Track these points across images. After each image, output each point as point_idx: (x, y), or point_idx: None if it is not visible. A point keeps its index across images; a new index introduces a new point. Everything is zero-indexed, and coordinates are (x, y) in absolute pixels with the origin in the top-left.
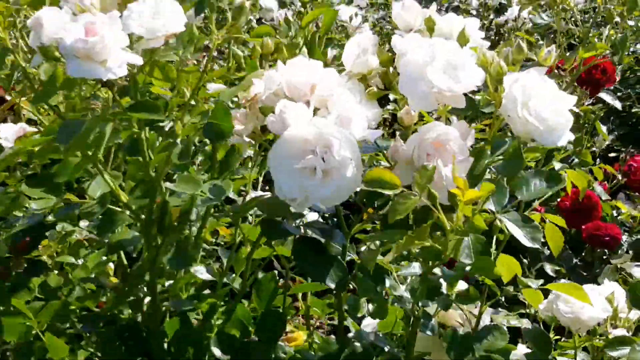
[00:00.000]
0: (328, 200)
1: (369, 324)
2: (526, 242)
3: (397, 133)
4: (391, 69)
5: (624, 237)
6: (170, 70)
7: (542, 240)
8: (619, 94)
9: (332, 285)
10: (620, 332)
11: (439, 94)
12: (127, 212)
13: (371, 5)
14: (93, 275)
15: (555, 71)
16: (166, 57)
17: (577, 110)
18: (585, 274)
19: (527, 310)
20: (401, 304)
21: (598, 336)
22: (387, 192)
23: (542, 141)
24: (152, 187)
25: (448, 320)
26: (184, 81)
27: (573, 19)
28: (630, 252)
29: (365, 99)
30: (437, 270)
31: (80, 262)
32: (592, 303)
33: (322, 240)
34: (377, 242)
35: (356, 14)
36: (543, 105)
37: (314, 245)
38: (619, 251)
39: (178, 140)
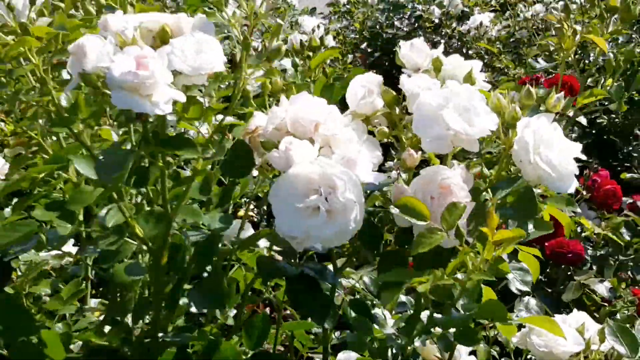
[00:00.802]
0: (329, 241)
1: (344, 358)
2: (518, 285)
3: (398, 173)
4: (396, 109)
5: (589, 252)
6: (199, 107)
7: None
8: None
9: (327, 326)
10: None
11: (455, 136)
12: (135, 243)
13: (334, 13)
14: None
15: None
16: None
17: None
18: (549, 290)
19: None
20: (391, 342)
21: None
22: (416, 221)
23: (553, 188)
24: (168, 220)
25: (427, 355)
26: (210, 117)
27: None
28: (594, 267)
29: (367, 139)
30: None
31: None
32: (565, 336)
33: (316, 278)
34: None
35: (319, 26)
36: (554, 152)
37: (307, 284)
38: (583, 267)
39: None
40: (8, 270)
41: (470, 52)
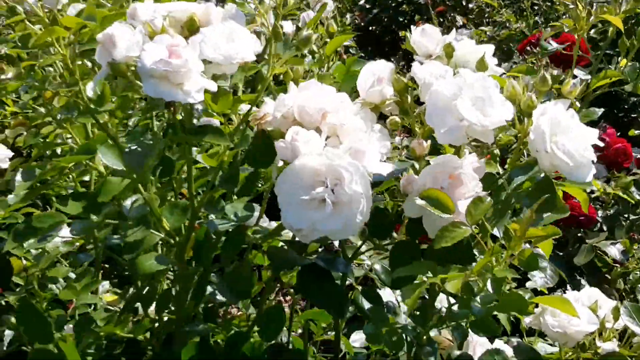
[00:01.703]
0: (335, 233)
1: (358, 339)
2: (539, 282)
3: (407, 163)
4: (407, 97)
5: (599, 212)
6: (228, 97)
7: None
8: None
9: (338, 316)
10: (610, 346)
11: (469, 128)
12: (161, 235)
13: None
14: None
15: (528, 48)
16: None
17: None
18: (560, 253)
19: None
20: (406, 332)
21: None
22: (440, 214)
23: (571, 177)
24: (193, 212)
25: (438, 338)
26: (236, 108)
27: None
28: (605, 227)
29: (377, 128)
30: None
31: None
32: (579, 315)
33: (326, 269)
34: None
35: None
36: (571, 141)
37: (318, 275)
38: (594, 228)
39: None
40: (8, 268)
41: (470, 4)
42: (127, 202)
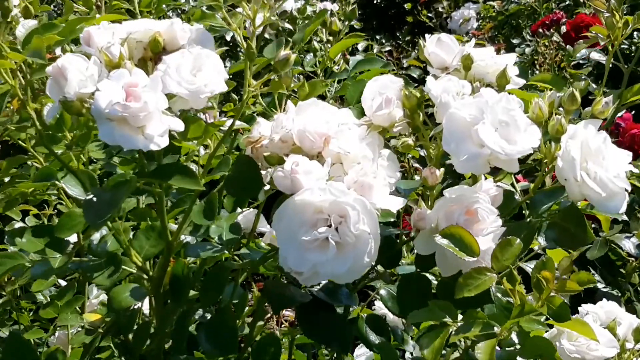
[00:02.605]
0: (340, 277)
1: (362, 354)
2: None
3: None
4: (420, 115)
5: None
6: (200, 126)
7: None
8: None
9: (342, 351)
10: None
11: (491, 155)
12: (133, 270)
13: None
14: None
15: (540, 30)
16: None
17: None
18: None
19: None
20: None
21: None
22: (464, 256)
23: (601, 208)
24: (168, 243)
25: None
26: (211, 134)
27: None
28: (619, 218)
29: (384, 155)
30: None
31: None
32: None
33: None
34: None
35: None
36: (603, 168)
37: (319, 309)
38: None
39: None
40: None
41: None
42: (96, 236)
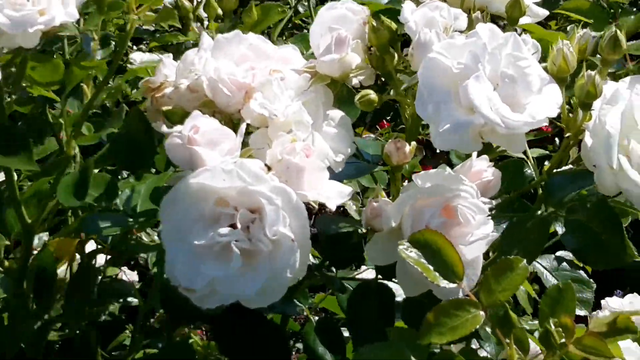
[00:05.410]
0: (250, 301)
1: None
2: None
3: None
4: (394, 55)
5: None
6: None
7: None
8: None
9: None
10: None
11: (486, 127)
12: None
13: None
14: None
15: None
16: None
17: None
18: None
19: None
20: None
21: None
22: (440, 282)
23: None
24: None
25: None
26: (77, 78)
27: None
28: None
29: (332, 120)
30: None
31: None
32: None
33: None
34: None
35: None
36: None
37: (242, 318)
38: None
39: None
40: None
41: None
42: None
